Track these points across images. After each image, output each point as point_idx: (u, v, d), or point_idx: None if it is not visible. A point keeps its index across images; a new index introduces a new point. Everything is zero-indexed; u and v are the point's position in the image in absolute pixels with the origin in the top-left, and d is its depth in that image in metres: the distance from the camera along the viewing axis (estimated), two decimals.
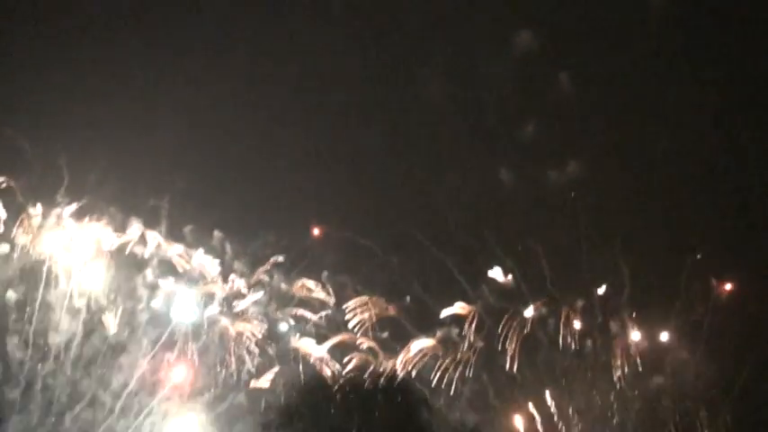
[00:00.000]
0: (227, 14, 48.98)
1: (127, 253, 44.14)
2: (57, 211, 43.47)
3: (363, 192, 47.35)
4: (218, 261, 45.55)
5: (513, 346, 46.29)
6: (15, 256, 42.47)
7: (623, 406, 46.49)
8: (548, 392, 46.36)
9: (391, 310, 46.60)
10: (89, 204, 43.80)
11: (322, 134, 48.70)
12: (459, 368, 45.97)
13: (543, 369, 46.72)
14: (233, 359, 44.61)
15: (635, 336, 47.65)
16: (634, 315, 47.66)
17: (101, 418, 42.44)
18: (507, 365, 46.19)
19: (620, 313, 47.69)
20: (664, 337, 47.83)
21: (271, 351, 45.30)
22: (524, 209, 47.35)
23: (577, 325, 47.40)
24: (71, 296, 42.80)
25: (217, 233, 45.79)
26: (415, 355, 46.06)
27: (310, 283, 46.62)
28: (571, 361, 47.09)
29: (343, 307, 46.40)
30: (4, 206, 42.50)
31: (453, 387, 45.58)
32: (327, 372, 45.14)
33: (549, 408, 46.26)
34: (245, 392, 44.17)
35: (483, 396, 46.05)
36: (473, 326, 46.64)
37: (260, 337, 45.14)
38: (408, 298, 46.72)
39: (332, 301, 46.39)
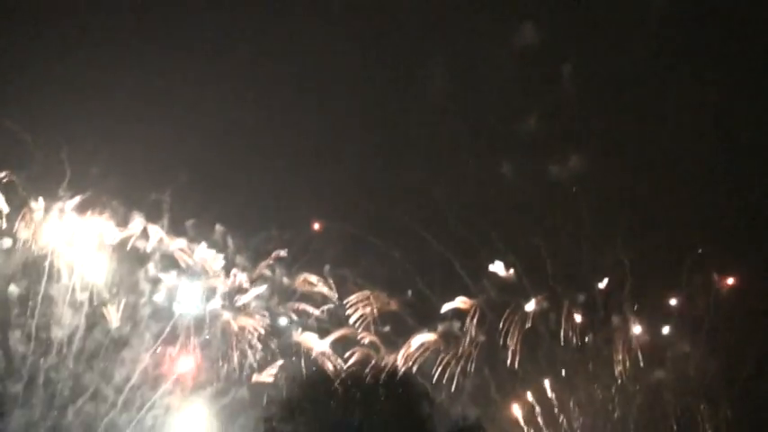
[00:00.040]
0: (228, 13, 48.98)
1: (129, 247, 44.17)
2: (59, 205, 43.49)
3: (365, 186, 47.36)
4: (221, 256, 45.63)
5: (515, 340, 46.39)
6: (17, 250, 42.46)
7: (624, 400, 46.62)
8: (549, 386, 46.50)
9: (393, 305, 46.68)
10: (91, 198, 43.83)
11: (324, 129, 48.75)
12: (461, 362, 46.09)
13: (545, 363, 46.83)
14: (235, 353, 44.72)
15: (636, 330, 47.75)
16: (636, 308, 47.75)
17: (103, 412, 42.58)
18: (509, 360, 46.34)
19: (622, 307, 47.78)
20: (665, 331, 47.94)
21: (273, 345, 45.43)
22: (526, 204, 47.34)
23: (579, 319, 47.49)
24: (73, 290, 42.87)
25: (219, 227, 45.84)
26: (417, 349, 46.17)
27: (312, 278, 46.68)
28: (572, 355, 47.18)
29: (345, 302, 46.51)
30: (6, 200, 42.46)
31: (455, 381, 45.75)
32: (329, 366, 45.25)
33: (551, 401, 46.40)
34: (247, 387, 44.32)
35: (485, 390, 46.18)
36: (475, 320, 46.77)
37: (262, 331, 45.26)
38: (410, 292, 46.84)
39: (335, 296, 46.50)
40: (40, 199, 43.24)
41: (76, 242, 43.54)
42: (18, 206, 42.79)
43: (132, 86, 46.30)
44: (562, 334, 47.00)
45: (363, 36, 48.22)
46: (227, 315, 45.28)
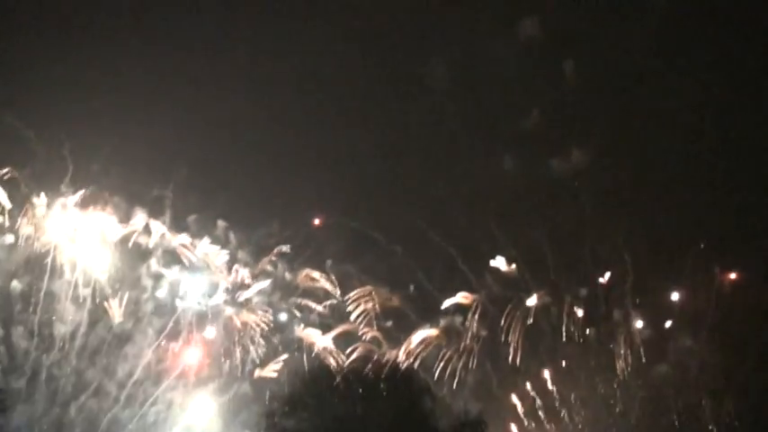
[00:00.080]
0: (231, 12, 49.04)
1: (131, 243, 44.26)
2: (61, 201, 43.58)
3: (367, 182, 47.39)
4: (224, 251, 45.69)
5: (517, 335, 46.42)
6: (20, 246, 42.56)
7: (626, 394, 46.63)
8: (549, 380, 46.53)
9: (395, 300, 46.70)
10: (93, 194, 43.90)
11: (326, 125, 48.78)
12: (463, 357, 46.15)
13: (546, 358, 46.86)
14: (238, 349, 44.81)
15: (638, 324, 47.73)
16: (637, 303, 47.74)
17: (106, 408, 42.67)
18: (511, 355, 46.39)
19: (624, 302, 47.77)
20: (667, 326, 47.90)
21: (275, 341, 45.52)
22: (527, 199, 47.32)
23: (580, 314, 47.52)
24: (76, 286, 42.96)
25: (221, 223, 45.88)
26: (419, 344, 46.21)
27: (314, 274, 46.71)
28: (574, 349, 47.19)
29: (347, 298, 46.54)
30: (9, 197, 42.53)
31: (457, 376, 45.80)
32: (332, 361, 45.34)
33: (553, 395, 46.44)
34: (249, 382, 44.42)
35: (486, 385, 46.22)
36: (476, 315, 46.81)
37: (264, 327, 45.31)
38: (412, 288, 46.84)
39: (337, 291, 46.53)
40: (43, 195, 43.38)
41: (79, 238, 43.63)
42: (21, 202, 42.95)
43: (134, 83, 46.48)
44: (564, 329, 47.03)
45: (363, 32, 48.23)
46: (229, 311, 45.38)
